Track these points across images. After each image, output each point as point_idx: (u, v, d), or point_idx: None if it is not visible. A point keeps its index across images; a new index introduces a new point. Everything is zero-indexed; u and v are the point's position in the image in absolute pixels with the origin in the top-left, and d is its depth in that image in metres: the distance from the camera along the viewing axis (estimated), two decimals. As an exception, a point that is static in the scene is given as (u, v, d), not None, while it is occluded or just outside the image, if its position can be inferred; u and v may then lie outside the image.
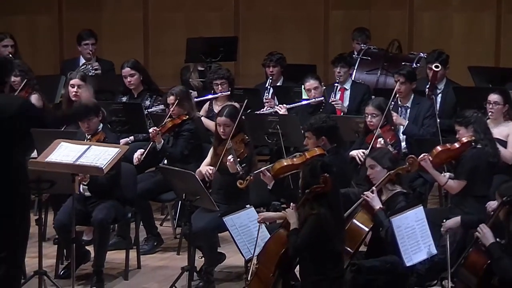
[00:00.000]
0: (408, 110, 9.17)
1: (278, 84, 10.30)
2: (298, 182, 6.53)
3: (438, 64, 9.63)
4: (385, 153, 7.09)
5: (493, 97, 8.41)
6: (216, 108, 9.26)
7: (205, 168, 7.87)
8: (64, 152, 6.89)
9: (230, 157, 7.59)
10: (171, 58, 12.09)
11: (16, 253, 6.49)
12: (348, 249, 6.51)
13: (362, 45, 11.00)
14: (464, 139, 7.64)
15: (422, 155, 7.52)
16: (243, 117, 7.99)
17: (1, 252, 6.40)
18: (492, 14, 12.24)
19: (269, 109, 9.61)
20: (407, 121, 8.97)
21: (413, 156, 7.45)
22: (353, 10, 12.64)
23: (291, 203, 6.56)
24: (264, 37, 12.60)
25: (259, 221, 6.76)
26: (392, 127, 8.44)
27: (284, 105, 9.39)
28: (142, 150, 8.56)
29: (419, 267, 6.68)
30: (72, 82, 8.86)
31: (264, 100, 9.85)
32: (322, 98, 9.38)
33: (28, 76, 9.33)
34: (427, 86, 9.63)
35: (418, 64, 10.29)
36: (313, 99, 9.33)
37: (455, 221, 7.14)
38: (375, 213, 6.60)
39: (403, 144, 8.95)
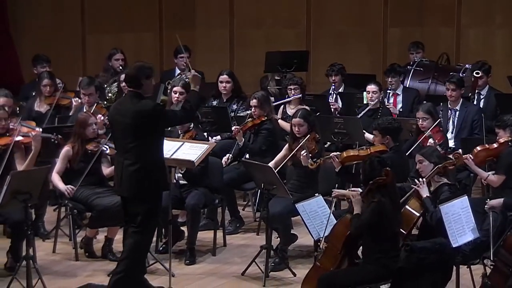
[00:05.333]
0: (457, 113, 9.10)
1: (340, 90, 10.29)
2: (360, 169, 6.55)
3: (478, 71, 9.54)
4: (433, 150, 7.03)
5: None
6: (290, 111, 9.27)
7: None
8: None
9: (303, 152, 7.59)
10: (252, 69, 12.12)
11: (147, 227, 6.57)
12: (402, 231, 6.46)
13: (415, 55, 10.93)
14: (502, 140, 7.57)
15: (465, 156, 7.47)
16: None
17: (135, 224, 6.52)
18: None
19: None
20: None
21: (458, 152, 7.41)
22: (408, 27, 12.52)
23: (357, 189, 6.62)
24: (331, 50, 12.57)
25: (333, 196, 6.75)
26: (441, 128, 8.39)
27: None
28: (229, 155, 8.61)
29: (464, 248, 6.57)
30: (175, 89, 8.93)
31: (330, 103, 9.91)
32: (378, 102, 9.31)
33: None
34: (469, 94, 9.54)
35: (464, 74, 10.15)
36: (371, 103, 9.28)
37: (498, 201, 7.06)
38: (422, 200, 6.56)
39: (452, 142, 8.88)
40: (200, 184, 7.87)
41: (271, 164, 7.78)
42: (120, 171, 6.56)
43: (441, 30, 12.43)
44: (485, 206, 6.87)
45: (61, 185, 7.68)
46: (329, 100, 10.02)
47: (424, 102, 9.27)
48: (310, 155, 7.57)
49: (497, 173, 7.51)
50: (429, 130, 8.18)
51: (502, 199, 7.09)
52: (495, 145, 7.60)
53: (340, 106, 9.97)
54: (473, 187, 8.92)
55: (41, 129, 8.15)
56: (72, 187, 7.63)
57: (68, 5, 12.19)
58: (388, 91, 9.88)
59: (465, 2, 12.37)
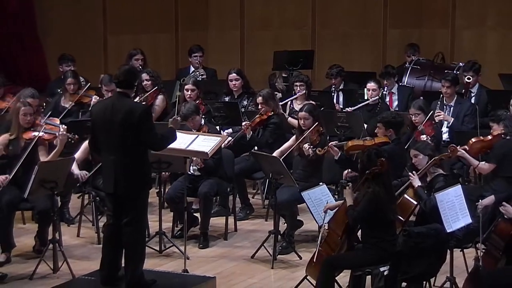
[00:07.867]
0: (452, 108, 9.10)
1: (341, 87, 10.31)
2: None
3: (469, 77, 9.52)
4: (426, 144, 7.03)
5: None
6: (296, 107, 9.28)
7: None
8: (178, 140, 6.77)
9: (306, 144, 7.63)
10: (261, 67, 12.13)
11: (138, 219, 6.33)
12: (401, 218, 6.46)
13: (412, 57, 10.94)
14: (495, 132, 7.57)
15: (459, 147, 7.48)
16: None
17: (127, 217, 6.26)
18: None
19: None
20: (452, 119, 8.90)
21: (453, 145, 7.40)
22: (407, 28, 12.51)
23: (350, 184, 6.59)
24: (335, 50, 12.57)
25: (324, 210, 6.63)
26: (433, 122, 8.41)
27: (349, 108, 9.39)
28: (230, 130, 8.77)
29: (457, 233, 6.56)
30: (186, 87, 8.96)
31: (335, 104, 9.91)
32: (377, 98, 9.35)
33: (157, 81, 9.50)
34: (462, 91, 9.56)
35: (458, 72, 10.14)
36: (371, 99, 9.32)
37: (490, 199, 6.96)
38: (415, 190, 6.57)
39: (447, 135, 8.88)
40: (214, 175, 7.90)
41: (277, 152, 7.84)
42: (111, 169, 6.20)
43: (438, 31, 12.42)
44: (478, 206, 6.74)
45: (76, 170, 7.64)
46: (334, 101, 10.02)
47: (421, 98, 9.27)
48: (312, 146, 7.60)
49: (489, 162, 7.53)
50: (421, 125, 8.21)
51: (493, 196, 7.00)
52: (489, 137, 7.61)
53: (342, 104, 9.98)
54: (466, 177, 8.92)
55: (65, 126, 8.22)
56: (86, 172, 7.66)
57: (91, 8, 12.23)
58: (385, 92, 9.91)
59: (459, 6, 12.35)
